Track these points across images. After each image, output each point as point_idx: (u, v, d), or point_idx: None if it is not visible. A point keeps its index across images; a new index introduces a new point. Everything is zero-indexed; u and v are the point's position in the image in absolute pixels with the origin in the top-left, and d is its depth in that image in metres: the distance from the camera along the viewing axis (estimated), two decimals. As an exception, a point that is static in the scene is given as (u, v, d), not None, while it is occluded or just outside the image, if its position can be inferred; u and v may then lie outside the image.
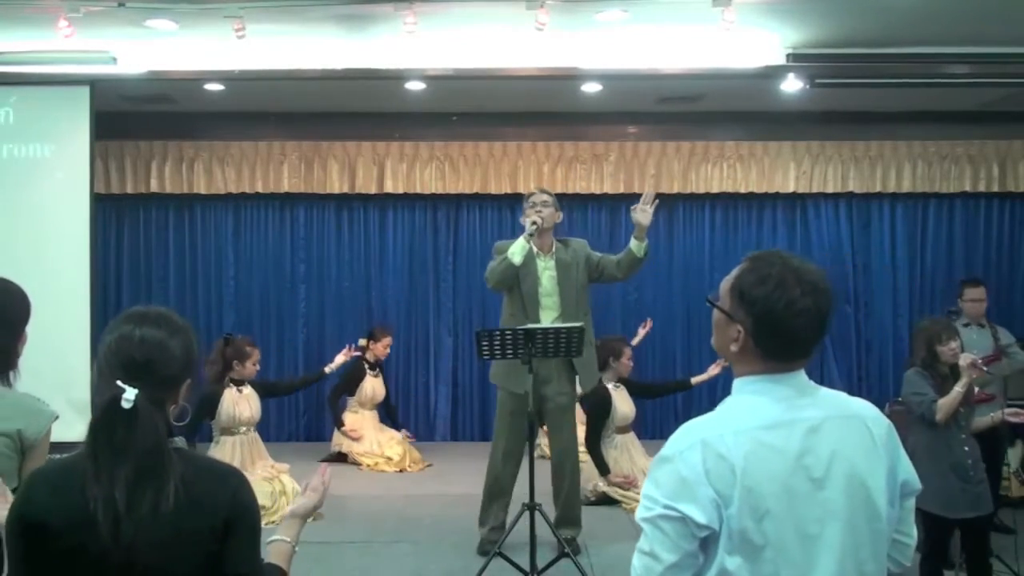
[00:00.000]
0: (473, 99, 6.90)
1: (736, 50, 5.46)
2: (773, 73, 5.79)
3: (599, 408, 5.82)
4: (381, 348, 6.95)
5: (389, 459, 6.77)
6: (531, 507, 4.37)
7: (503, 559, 4.34)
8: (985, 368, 4.00)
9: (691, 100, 6.95)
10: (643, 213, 4.59)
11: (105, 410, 1.63)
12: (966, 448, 3.92)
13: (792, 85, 5.98)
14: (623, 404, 5.88)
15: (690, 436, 1.64)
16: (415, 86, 6.22)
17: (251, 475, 5.31)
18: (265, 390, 5.89)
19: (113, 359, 1.69)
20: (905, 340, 7.74)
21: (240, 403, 5.60)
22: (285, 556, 1.92)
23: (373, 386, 6.93)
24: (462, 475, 5.06)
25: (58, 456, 1.78)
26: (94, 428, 1.64)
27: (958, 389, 3.86)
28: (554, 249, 4.83)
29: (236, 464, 5.36)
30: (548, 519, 4.64)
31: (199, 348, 1.84)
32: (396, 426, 7.04)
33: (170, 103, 6.89)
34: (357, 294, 7.84)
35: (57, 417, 2.41)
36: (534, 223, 4.63)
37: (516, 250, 4.62)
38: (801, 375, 1.71)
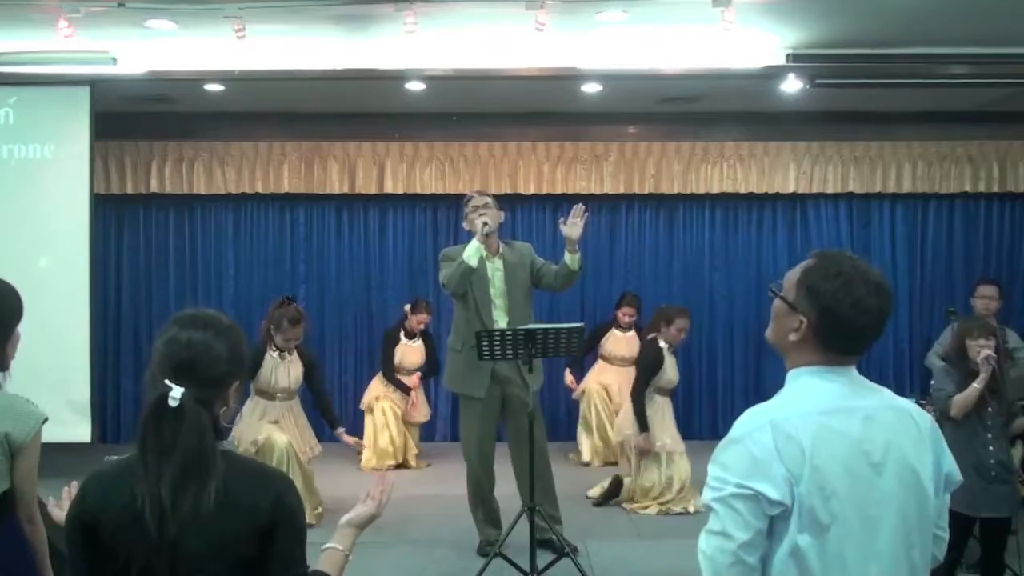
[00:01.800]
0: (473, 99, 6.90)
1: (736, 50, 5.46)
2: (773, 73, 5.79)
3: (651, 363, 5.85)
4: (415, 322, 6.97)
5: (386, 450, 6.85)
6: (531, 507, 4.38)
7: (503, 559, 4.34)
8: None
9: (691, 100, 6.95)
10: (572, 227, 4.56)
11: (152, 408, 1.67)
12: (990, 448, 3.90)
13: (792, 85, 5.98)
14: (672, 369, 5.90)
15: (758, 418, 1.71)
16: (415, 86, 6.22)
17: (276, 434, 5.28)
18: (309, 366, 5.58)
19: (162, 360, 1.73)
20: (905, 340, 7.75)
21: (279, 369, 5.41)
22: (337, 565, 1.91)
23: (403, 353, 6.97)
24: (462, 475, 5.05)
25: (116, 457, 1.81)
26: (143, 426, 1.68)
27: (976, 386, 3.88)
28: (501, 250, 4.84)
29: (272, 431, 5.30)
30: (548, 520, 4.64)
31: (246, 350, 1.86)
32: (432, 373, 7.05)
33: (170, 103, 6.89)
34: (357, 294, 7.84)
35: (46, 419, 2.40)
36: (486, 224, 4.62)
37: (472, 252, 4.61)
38: (854, 369, 1.79)
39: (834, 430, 1.68)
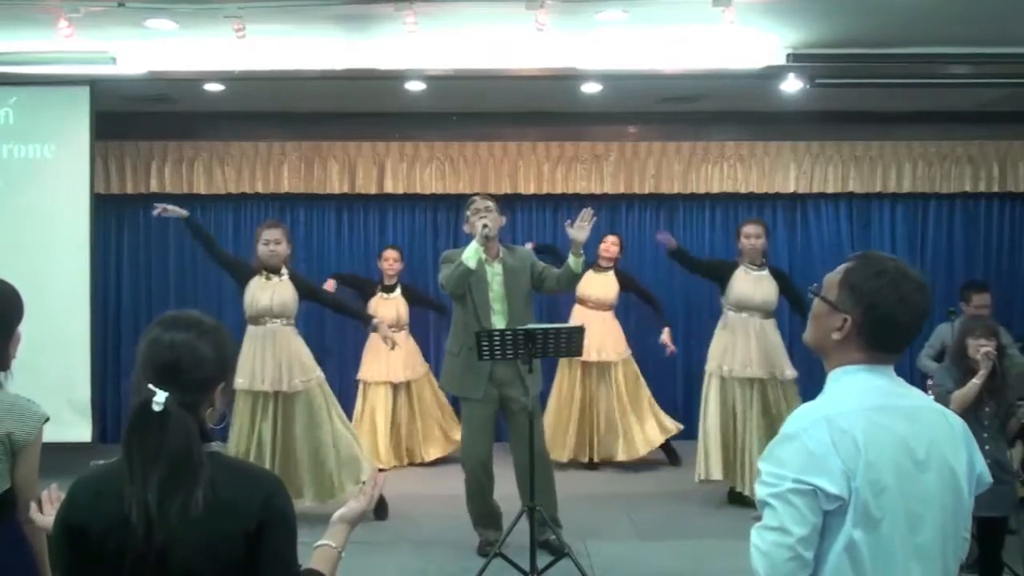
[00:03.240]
0: (473, 99, 6.90)
1: (736, 50, 5.46)
2: (773, 73, 5.79)
3: (717, 267, 5.91)
4: (384, 266, 6.84)
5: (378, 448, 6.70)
6: (531, 507, 4.38)
7: (503, 559, 4.35)
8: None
9: (691, 100, 6.95)
10: (580, 230, 4.59)
11: (137, 413, 1.65)
12: (986, 447, 3.87)
13: (792, 85, 5.97)
14: (745, 284, 5.69)
15: (812, 414, 1.73)
16: (415, 86, 6.21)
17: (263, 370, 5.19)
18: (305, 290, 5.44)
19: (145, 363, 1.71)
20: (905, 340, 7.75)
21: (262, 290, 5.24)
22: (330, 562, 1.88)
23: (376, 305, 6.77)
24: (462, 475, 5.06)
25: (102, 462, 1.79)
26: (127, 431, 1.66)
27: (975, 382, 3.90)
28: (501, 255, 4.84)
29: (255, 357, 5.21)
30: (548, 520, 4.64)
31: (233, 349, 1.85)
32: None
33: (170, 103, 6.89)
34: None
35: (48, 419, 2.40)
36: (486, 226, 4.63)
37: (470, 254, 4.61)
38: (892, 369, 1.82)
39: (882, 426, 1.71)
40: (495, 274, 4.80)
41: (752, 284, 5.71)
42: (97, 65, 5.56)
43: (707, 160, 7.65)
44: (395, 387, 6.86)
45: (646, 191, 7.64)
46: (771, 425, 5.50)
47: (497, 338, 4.38)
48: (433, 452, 6.90)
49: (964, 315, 5.50)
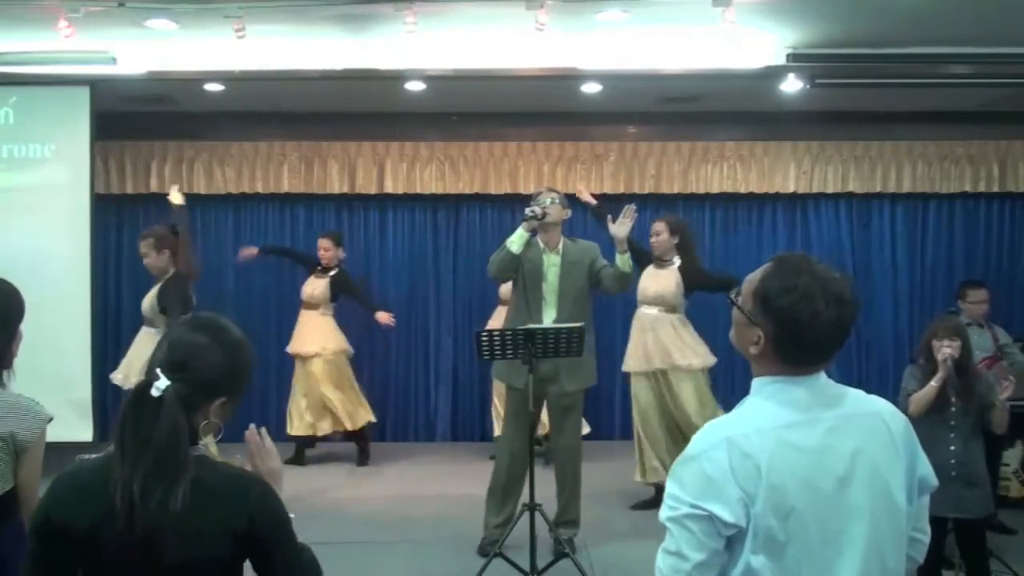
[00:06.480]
0: (473, 99, 6.90)
1: (736, 50, 5.46)
2: (773, 73, 5.79)
3: (638, 256, 5.69)
4: (319, 249, 6.91)
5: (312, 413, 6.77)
6: (531, 507, 4.38)
7: (503, 559, 4.35)
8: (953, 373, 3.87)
9: (691, 100, 6.95)
10: (620, 226, 4.63)
11: (135, 394, 1.66)
12: (952, 448, 3.84)
13: (792, 85, 5.98)
14: (644, 278, 5.70)
15: (715, 435, 1.66)
16: (415, 86, 6.22)
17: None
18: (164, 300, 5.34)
19: (161, 356, 1.74)
20: (905, 341, 7.75)
21: (149, 296, 5.30)
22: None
23: (308, 282, 6.91)
24: (462, 475, 5.07)
25: (86, 456, 1.80)
26: (123, 411, 1.67)
27: (933, 384, 3.85)
28: (561, 245, 4.84)
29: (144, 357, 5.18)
30: (548, 519, 4.64)
31: (250, 366, 1.83)
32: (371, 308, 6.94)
33: (170, 103, 6.89)
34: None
35: (51, 419, 2.40)
36: (531, 211, 4.65)
37: (514, 239, 4.65)
38: (820, 376, 1.73)
39: (794, 445, 1.63)
40: (552, 264, 4.79)
41: (649, 278, 5.74)
42: (97, 65, 5.56)
43: (707, 160, 7.65)
44: (306, 359, 6.84)
45: (646, 191, 7.64)
46: (667, 417, 5.60)
47: (497, 338, 4.38)
48: (357, 422, 6.86)
49: (963, 313, 5.50)
